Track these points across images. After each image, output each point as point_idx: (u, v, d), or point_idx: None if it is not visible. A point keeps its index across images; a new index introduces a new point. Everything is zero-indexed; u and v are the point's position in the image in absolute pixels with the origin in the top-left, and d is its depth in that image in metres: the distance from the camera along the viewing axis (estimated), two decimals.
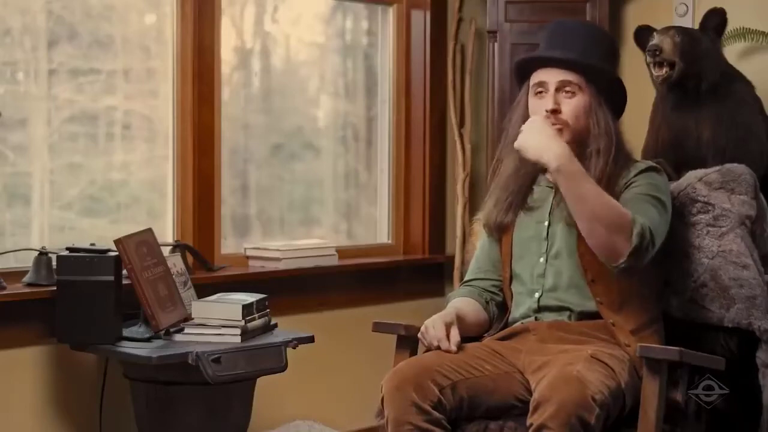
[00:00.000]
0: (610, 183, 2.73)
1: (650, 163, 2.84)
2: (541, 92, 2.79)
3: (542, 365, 2.62)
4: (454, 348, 2.70)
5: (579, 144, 2.77)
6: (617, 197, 2.71)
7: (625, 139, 2.87)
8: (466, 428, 2.63)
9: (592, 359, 2.59)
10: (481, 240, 3.02)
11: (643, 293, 2.77)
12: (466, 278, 3.03)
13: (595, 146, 2.76)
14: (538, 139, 2.62)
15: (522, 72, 2.87)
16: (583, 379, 2.47)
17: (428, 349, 2.75)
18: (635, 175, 2.77)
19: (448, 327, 2.74)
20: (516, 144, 2.66)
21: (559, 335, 2.75)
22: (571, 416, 2.39)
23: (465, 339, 2.78)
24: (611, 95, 2.81)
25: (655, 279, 2.83)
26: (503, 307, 2.95)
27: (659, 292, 2.88)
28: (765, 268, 2.96)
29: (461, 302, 2.89)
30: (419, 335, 2.77)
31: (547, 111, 2.75)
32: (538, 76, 2.80)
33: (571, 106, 2.77)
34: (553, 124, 2.75)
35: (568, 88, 2.77)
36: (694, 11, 4.10)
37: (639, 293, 2.76)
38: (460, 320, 2.78)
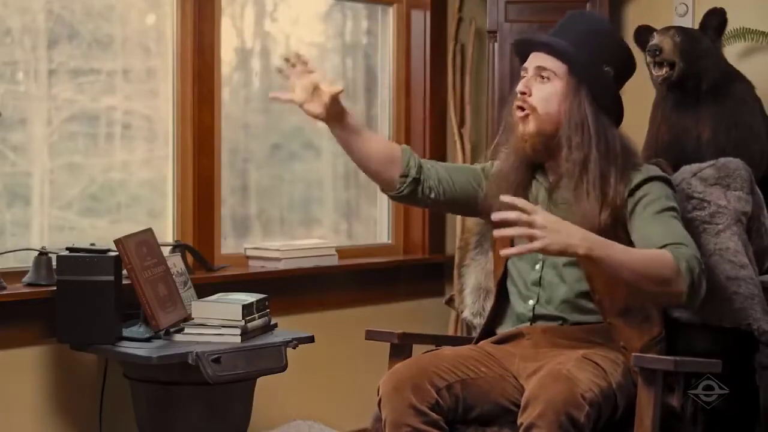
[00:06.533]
0: (610, 195, 2.64)
1: (657, 172, 2.74)
2: (524, 77, 2.75)
3: (536, 370, 2.59)
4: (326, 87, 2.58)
5: (549, 136, 2.70)
6: (620, 207, 2.65)
7: (626, 143, 2.76)
8: None
9: (584, 359, 2.57)
10: (470, 165, 2.95)
11: (648, 308, 2.72)
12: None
13: (565, 137, 2.67)
14: (556, 233, 2.37)
15: (522, 57, 2.83)
16: (572, 377, 2.45)
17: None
18: (643, 183, 2.67)
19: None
20: (527, 248, 2.38)
21: (554, 340, 2.72)
22: (560, 414, 2.37)
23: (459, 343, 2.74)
24: (600, 94, 2.72)
25: None
26: (416, 198, 2.82)
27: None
28: (762, 263, 2.95)
29: (374, 132, 2.80)
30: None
31: (518, 92, 2.71)
32: (526, 61, 2.78)
33: (543, 91, 2.70)
34: (521, 107, 2.70)
35: (543, 74, 2.71)
36: (694, 11, 4.10)
37: (644, 308, 2.71)
38: (349, 117, 2.69)
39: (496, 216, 2.40)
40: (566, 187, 2.72)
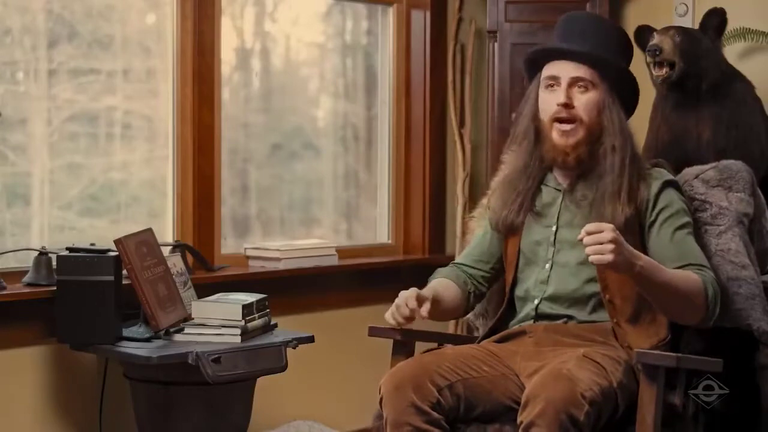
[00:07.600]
0: (631, 196, 2.69)
1: (668, 175, 2.79)
2: (552, 86, 2.75)
3: (537, 369, 2.59)
4: (424, 313, 2.64)
5: (592, 142, 2.73)
6: (638, 206, 2.70)
7: (636, 142, 2.82)
8: (465, 431, 2.61)
9: (584, 358, 2.57)
10: (479, 231, 2.98)
11: (656, 311, 2.72)
12: (456, 260, 2.98)
13: (609, 143, 2.72)
14: (622, 246, 2.46)
15: (532, 64, 2.83)
16: (572, 376, 2.46)
17: (402, 322, 2.68)
18: (662, 190, 2.73)
19: (421, 299, 2.66)
20: (597, 260, 2.45)
21: (556, 338, 2.72)
22: (559, 412, 2.38)
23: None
24: (623, 93, 2.77)
25: None
26: (481, 297, 2.95)
27: None
28: (763, 265, 2.96)
29: (441, 285, 2.85)
30: (388, 315, 2.69)
31: (558, 105, 2.72)
32: (549, 70, 2.76)
33: (584, 101, 2.72)
34: (566, 120, 2.72)
35: (581, 84, 2.73)
36: (694, 11, 4.10)
37: (652, 311, 2.72)
38: (434, 303, 2.72)
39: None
40: (586, 187, 2.75)
